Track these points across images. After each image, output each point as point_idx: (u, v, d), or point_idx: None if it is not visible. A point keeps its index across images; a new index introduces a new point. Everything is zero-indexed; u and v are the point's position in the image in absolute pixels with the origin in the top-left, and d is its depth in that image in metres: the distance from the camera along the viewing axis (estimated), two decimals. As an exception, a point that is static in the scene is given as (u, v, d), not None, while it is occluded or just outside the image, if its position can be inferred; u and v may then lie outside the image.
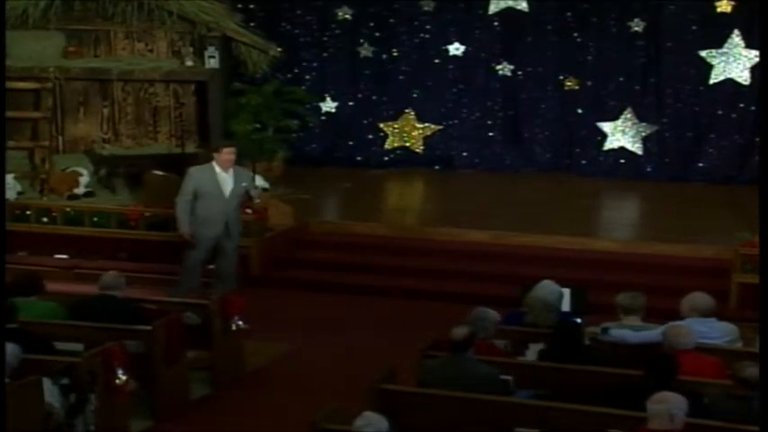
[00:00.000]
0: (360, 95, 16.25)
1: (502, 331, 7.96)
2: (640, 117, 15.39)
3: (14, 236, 12.08)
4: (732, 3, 14.82)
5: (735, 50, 14.99)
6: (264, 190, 13.65)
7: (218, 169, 10.66)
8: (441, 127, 16.08)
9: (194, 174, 10.74)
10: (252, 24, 15.15)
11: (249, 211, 12.37)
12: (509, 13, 15.65)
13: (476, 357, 7.21)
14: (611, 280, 10.50)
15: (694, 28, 15.04)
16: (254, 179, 12.09)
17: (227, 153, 10.69)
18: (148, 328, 8.28)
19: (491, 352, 7.63)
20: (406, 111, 16.13)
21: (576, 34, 15.52)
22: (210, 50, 13.94)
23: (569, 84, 15.65)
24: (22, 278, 8.85)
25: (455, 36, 15.85)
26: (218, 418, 8.60)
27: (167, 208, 12.56)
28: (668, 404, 6.05)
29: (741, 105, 15.00)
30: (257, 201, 11.20)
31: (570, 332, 7.68)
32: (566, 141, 15.81)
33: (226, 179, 10.68)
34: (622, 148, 15.51)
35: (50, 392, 7.18)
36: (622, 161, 15.54)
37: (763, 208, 9.07)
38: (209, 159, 10.93)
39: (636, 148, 15.47)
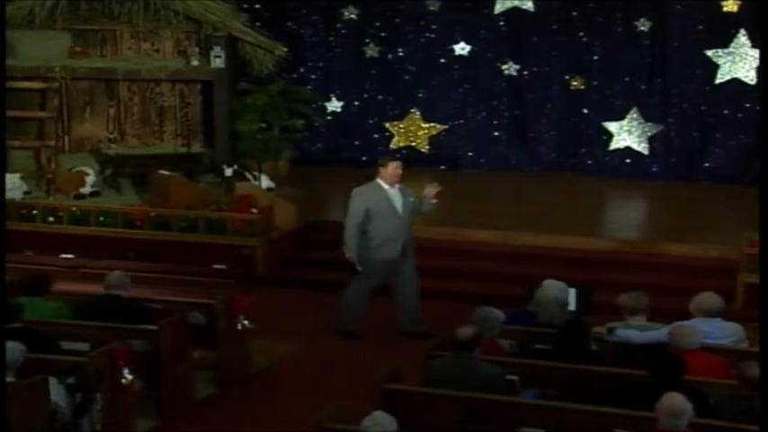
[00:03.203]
0: (365, 95, 16.24)
1: (507, 331, 7.96)
2: (646, 117, 15.37)
3: (21, 235, 12.09)
4: (738, 2, 14.80)
5: (741, 50, 14.97)
6: (269, 189, 13.68)
7: (385, 186, 10.05)
8: (446, 127, 16.07)
9: (363, 193, 10.11)
10: (258, 24, 15.16)
11: (254, 210, 12.40)
12: (515, 12, 15.63)
13: (481, 357, 7.21)
14: (617, 280, 10.47)
15: (700, 28, 15.03)
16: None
17: (395, 167, 10.05)
18: (154, 327, 8.28)
19: (495, 352, 7.63)
20: (412, 110, 16.11)
21: (581, 34, 15.51)
22: (216, 50, 13.96)
23: (575, 83, 15.63)
24: (32, 278, 8.83)
25: (461, 36, 15.84)
26: (224, 418, 8.60)
27: (172, 208, 12.61)
28: (682, 415, 6.06)
29: (747, 105, 14.99)
30: (426, 211, 10.41)
31: (578, 332, 7.67)
32: (571, 141, 15.80)
33: (395, 195, 10.07)
34: (628, 148, 15.50)
35: (57, 392, 7.18)
36: (628, 161, 15.53)
37: (762, 208, 9.05)
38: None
39: (642, 147, 15.45)
